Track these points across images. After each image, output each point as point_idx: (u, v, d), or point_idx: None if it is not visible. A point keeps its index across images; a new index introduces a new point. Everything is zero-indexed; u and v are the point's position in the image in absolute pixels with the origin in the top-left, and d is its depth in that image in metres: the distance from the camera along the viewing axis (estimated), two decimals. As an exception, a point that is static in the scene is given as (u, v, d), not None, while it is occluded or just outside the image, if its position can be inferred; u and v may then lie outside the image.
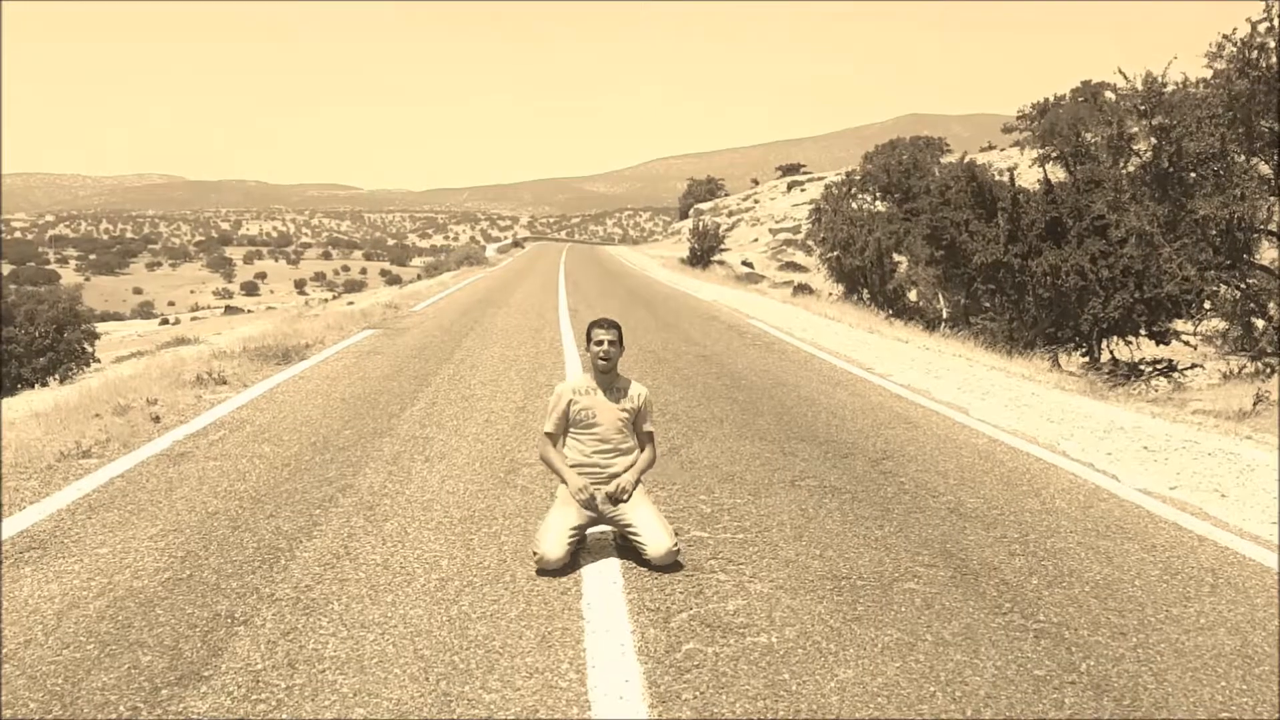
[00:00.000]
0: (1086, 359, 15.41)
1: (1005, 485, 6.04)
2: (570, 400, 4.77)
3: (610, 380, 4.83)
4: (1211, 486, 6.05)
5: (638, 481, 4.72)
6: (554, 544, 4.36)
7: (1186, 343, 14.92)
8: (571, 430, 4.81)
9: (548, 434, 4.81)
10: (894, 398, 9.23)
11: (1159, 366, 15.09)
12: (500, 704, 3.18)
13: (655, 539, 4.40)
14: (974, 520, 5.28)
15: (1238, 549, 4.92)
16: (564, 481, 4.67)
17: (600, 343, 4.77)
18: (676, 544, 4.45)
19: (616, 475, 4.71)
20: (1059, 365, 14.56)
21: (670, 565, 4.39)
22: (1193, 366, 15.33)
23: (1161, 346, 15.26)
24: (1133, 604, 4.16)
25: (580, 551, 4.58)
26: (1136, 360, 15.30)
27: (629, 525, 4.53)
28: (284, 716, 3.10)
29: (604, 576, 4.32)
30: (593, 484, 4.66)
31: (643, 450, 4.88)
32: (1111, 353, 15.58)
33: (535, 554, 4.38)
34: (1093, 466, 6.60)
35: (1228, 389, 13.12)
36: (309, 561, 4.46)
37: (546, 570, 4.33)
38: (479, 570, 4.38)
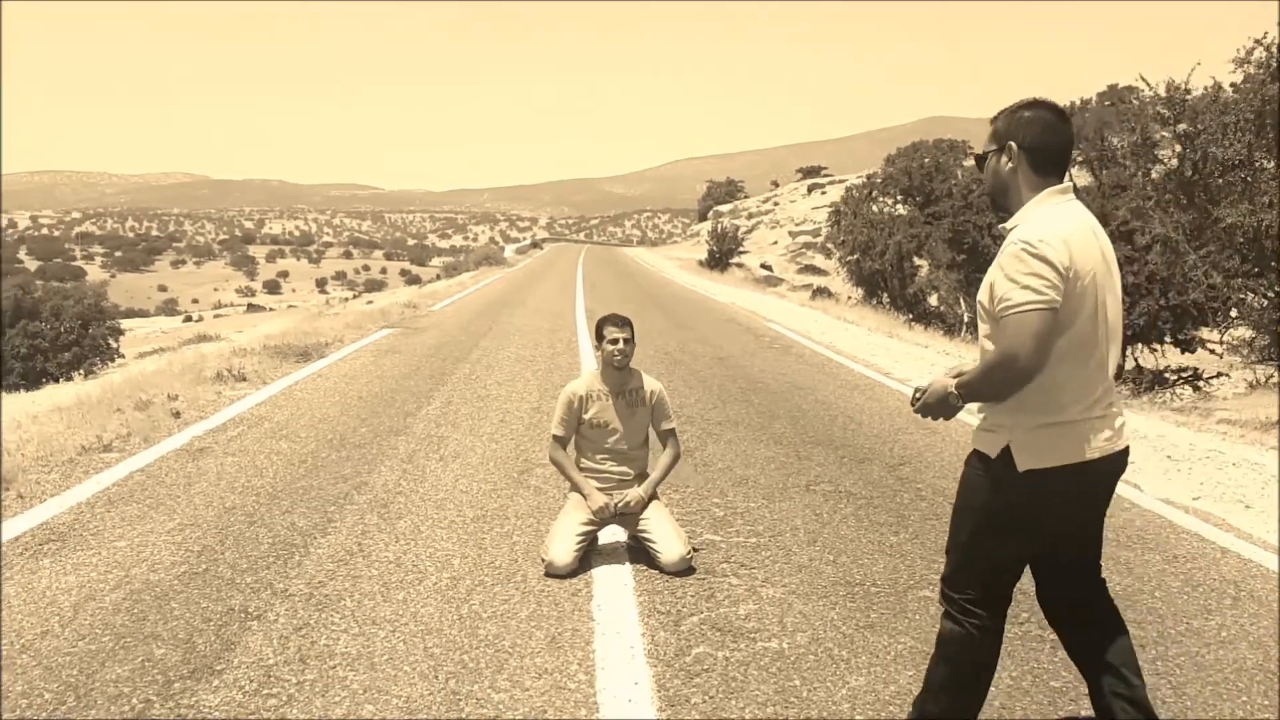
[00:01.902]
0: (1109, 366, 15.27)
1: (1024, 492, 5.98)
2: (581, 403, 4.65)
3: (624, 379, 4.69)
4: (1235, 497, 5.98)
5: (654, 494, 4.64)
6: (563, 550, 4.34)
7: (1212, 351, 14.77)
8: (584, 436, 4.73)
9: (557, 437, 4.68)
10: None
11: (1184, 375, 14.95)
12: (509, 704, 3.17)
13: (669, 545, 4.37)
14: (991, 527, 5.23)
15: (1261, 561, 4.86)
16: (580, 493, 4.59)
17: (615, 341, 4.59)
18: (689, 550, 4.43)
19: (630, 483, 4.68)
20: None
21: (683, 571, 4.38)
22: (1218, 375, 15.17)
23: (1187, 355, 15.11)
24: (1153, 616, 4.11)
25: (591, 554, 4.56)
26: (1161, 368, 15.16)
27: (643, 531, 4.51)
28: (294, 712, 3.10)
29: (615, 579, 4.31)
30: (606, 489, 4.62)
31: (664, 448, 4.79)
32: (1136, 360, 15.44)
33: (544, 559, 4.37)
34: (1113, 475, 6.52)
35: (1253, 398, 12.98)
36: (323, 558, 4.47)
37: (555, 574, 4.32)
38: (490, 570, 4.38)
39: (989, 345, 2.62)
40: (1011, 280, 2.50)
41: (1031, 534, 2.70)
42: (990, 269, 2.64)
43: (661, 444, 4.81)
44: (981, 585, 2.74)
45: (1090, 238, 2.61)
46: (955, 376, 2.72)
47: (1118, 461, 2.69)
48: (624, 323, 4.68)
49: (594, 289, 25.82)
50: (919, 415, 2.82)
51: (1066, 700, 3.31)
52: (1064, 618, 2.91)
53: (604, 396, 4.65)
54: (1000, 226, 2.72)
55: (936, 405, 2.76)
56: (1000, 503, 2.65)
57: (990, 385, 2.60)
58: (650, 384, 4.76)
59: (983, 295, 2.66)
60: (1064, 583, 2.86)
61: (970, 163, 30.85)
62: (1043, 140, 2.66)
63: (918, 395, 2.82)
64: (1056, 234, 2.52)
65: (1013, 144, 2.68)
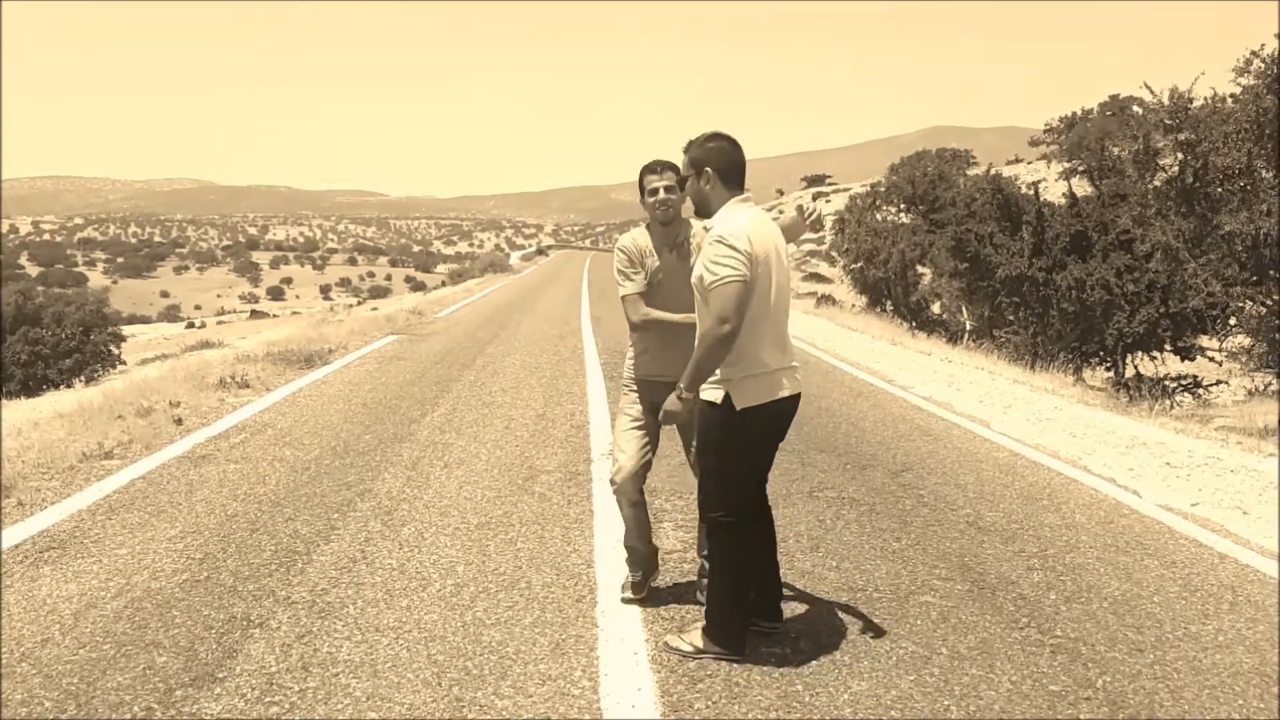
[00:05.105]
0: (1111, 374, 15.30)
1: (1025, 499, 6.00)
2: (641, 255, 4.07)
3: (672, 232, 4.08)
4: (1233, 503, 5.98)
5: None
6: (633, 453, 4.03)
7: (1211, 359, 14.79)
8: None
9: (638, 294, 4.05)
10: (915, 410, 9.18)
11: (1183, 382, 14.96)
12: (512, 710, 3.18)
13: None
14: (993, 534, 5.25)
15: (1258, 566, 4.86)
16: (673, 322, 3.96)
17: (655, 191, 3.99)
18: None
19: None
20: (1083, 379, 14.46)
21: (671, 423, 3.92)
22: (1218, 383, 15.18)
23: (1186, 362, 15.13)
24: (1151, 620, 4.12)
25: (599, 558, 4.60)
26: (1161, 376, 15.17)
27: None
28: (297, 719, 3.12)
29: (619, 585, 4.31)
30: (676, 353, 3.92)
31: None
32: (1136, 368, 15.45)
33: (617, 466, 4.04)
34: (1114, 482, 6.54)
35: (1252, 405, 12.99)
36: (326, 565, 4.49)
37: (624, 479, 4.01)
38: (494, 576, 4.39)
39: (705, 317, 3.45)
40: (716, 263, 3.35)
41: (752, 452, 3.62)
42: (698, 261, 3.53)
43: None
44: (730, 497, 3.60)
45: (767, 229, 3.52)
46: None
47: (794, 403, 3.68)
48: (667, 167, 4.04)
49: (602, 296, 25.81)
50: (663, 425, 3.71)
51: (1065, 704, 3.32)
52: (754, 514, 3.75)
53: (654, 253, 4.09)
54: (703, 225, 3.69)
55: (671, 412, 3.55)
56: (729, 434, 3.53)
57: (707, 350, 3.38)
58: (697, 226, 4.05)
59: (694, 280, 3.51)
60: (758, 489, 3.80)
61: (975, 171, 30.86)
62: (726, 163, 3.55)
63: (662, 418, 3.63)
64: (742, 229, 3.40)
65: (708, 169, 3.55)
